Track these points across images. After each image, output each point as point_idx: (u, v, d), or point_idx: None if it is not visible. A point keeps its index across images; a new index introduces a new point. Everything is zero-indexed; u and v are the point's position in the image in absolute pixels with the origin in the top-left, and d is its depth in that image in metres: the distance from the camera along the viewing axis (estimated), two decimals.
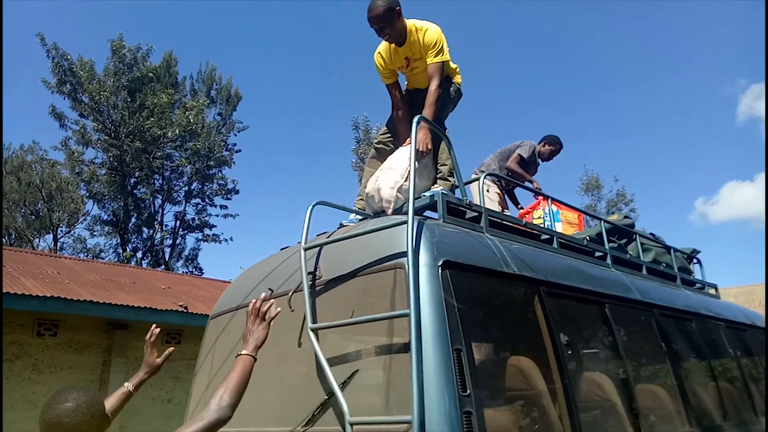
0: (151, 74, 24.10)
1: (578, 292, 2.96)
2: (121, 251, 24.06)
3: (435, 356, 2.01)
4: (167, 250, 25.78)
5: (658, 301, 3.70)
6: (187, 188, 26.50)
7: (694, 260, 5.16)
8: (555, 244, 3.27)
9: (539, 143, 5.10)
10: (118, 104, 23.22)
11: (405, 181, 2.63)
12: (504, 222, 3.01)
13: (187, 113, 24.19)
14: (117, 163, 23.85)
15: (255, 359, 1.91)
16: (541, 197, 4.09)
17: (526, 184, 4.64)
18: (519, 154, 4.78)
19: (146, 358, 2.54)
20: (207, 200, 26.81)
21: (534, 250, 2.99)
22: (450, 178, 3.04)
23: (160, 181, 25.63)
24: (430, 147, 2.83)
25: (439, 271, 2.19)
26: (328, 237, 2.71)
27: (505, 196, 4.89)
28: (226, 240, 26.05)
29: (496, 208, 4.42)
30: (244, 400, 2.74)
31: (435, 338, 2.04)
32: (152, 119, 23.05)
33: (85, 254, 26.83)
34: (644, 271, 4.10)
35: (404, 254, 2.21)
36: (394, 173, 2.65)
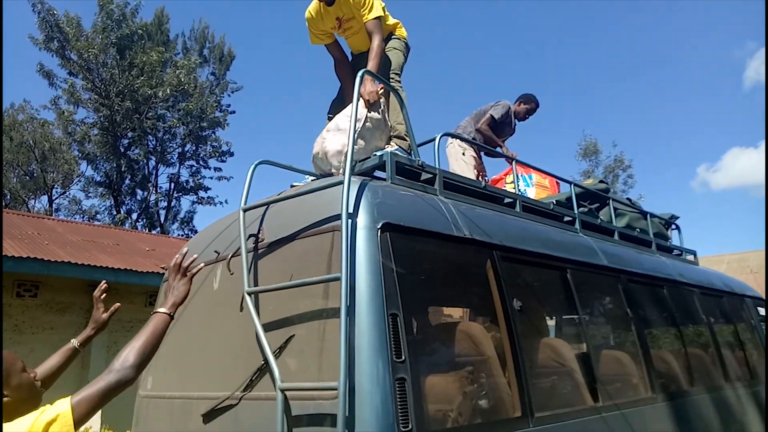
0: (141, 31, 23.56)
1: (537, 257, 2.87)
2: (115, 213, 24.03)
3: (367, 321, 1.94)
4: (162, 213, 25.74)
5: (628, 267, 3.63)
6: (180, 150, 26.25)
7: (673, 226, 5.08)
8: (518, 208, 3.18)
9: (515, 102, 4.93)
10: (107, 62, 22.76)
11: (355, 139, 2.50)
12: (460, 184, 2.90)
13: (178, 72, 23.73)
14: (108, 124, 23.52)
15: (171, 317, 1.84)
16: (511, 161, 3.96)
17: (498, 150, 4.52)
18: (491, 115, 4.63)
19: (93, 313, 2.49)
20: (201, 162, 26.61)
21: (493, 214, 2.89)
22: (406, 138, 2.92)
23: (154, 142, 25.35)
24: (380, 99, 2.69)
25: (378, 234, 2.10)
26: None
27: (482, 159, 4.76)
28: (221, 203, 25.96)
29: (471, 172, 4.30)
30: (187, 365, 2.71)
31: (369, 303, 1.96)
32: (142, 78, 22.63)
33: (81, 216, 26.81)
34: (616, 237, 4.02)
35: (338, 218, 2.13)
36: (341, 135, 2.53)
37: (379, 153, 2.59)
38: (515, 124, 4.93)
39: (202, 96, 25.71)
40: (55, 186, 27.94)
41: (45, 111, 25.38)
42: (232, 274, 2.43)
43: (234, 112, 27.68)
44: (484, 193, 3.06)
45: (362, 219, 2.11)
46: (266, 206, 2.50)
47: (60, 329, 7.44)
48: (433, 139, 2.84)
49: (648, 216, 4.53)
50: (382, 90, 2.57)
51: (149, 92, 23.15)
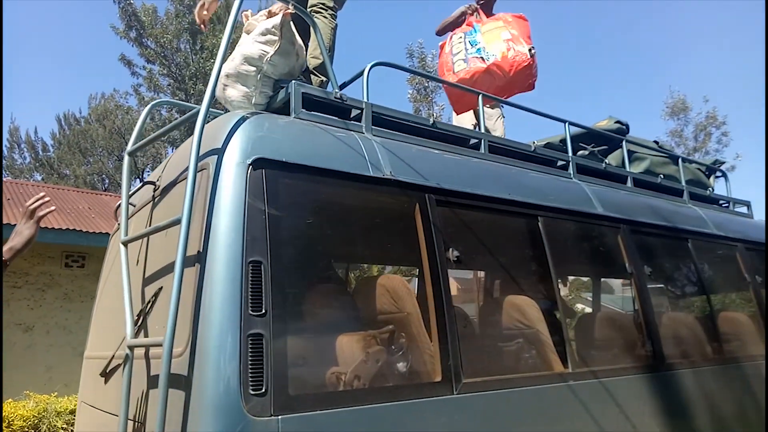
0: (212, 15, 24.28)
1: (492, 202, 2.46)
2: None
3: (219, 269, 1.68)
4: None
5: (633, 216, 3.09)
6: None
7: (718, 173, 4.35)
8: (483, 149, 2.75)
9: None
10: (180, 47, 23.66)
11: (246, 65, 2.20)
12: (400, 121, 2.53)
13: None
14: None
15: (5, 263, 1.68)
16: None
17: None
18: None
19: (21, 227, 2.20)
20: None
21: (438, 154, 2.51)
22: (319, 74, 2.59)
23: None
24: (282, 21, 2.32)
25: (248, 171, 1.81)
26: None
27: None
28: None
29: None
30: (112, 324, 2.58)
31: (224, 248, 1.70)
32: (213, 60, 23.34)
33: None
34: (629, 184, 3.46)
35: (212, 153, 1.88)
36: (233, 62, 2.23)
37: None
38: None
39: None
40: (146, 169, 29.74)
41: (128, 98, 26.89)
42: (118, 223, 2.25)
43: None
44: (438, 133, 2.67)
45: (231, 154, 1.84)
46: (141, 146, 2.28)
47: None
48: (362, 73, 2.48)
49: (680, 161, 3.88)
50: (283, 12, 2.22)
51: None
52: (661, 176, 3.68)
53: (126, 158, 2.23)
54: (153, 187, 2.27)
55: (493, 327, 2.43)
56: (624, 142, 3.53)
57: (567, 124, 3.21)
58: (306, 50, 2.55)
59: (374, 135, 2.35)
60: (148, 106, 2.32)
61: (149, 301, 1.95)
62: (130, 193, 2.24)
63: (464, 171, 2.53)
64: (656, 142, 3.97)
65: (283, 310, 1.72)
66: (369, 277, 2.15)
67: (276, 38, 2.17)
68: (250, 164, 1.82)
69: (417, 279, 2.22)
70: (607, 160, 3.43)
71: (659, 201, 3.51)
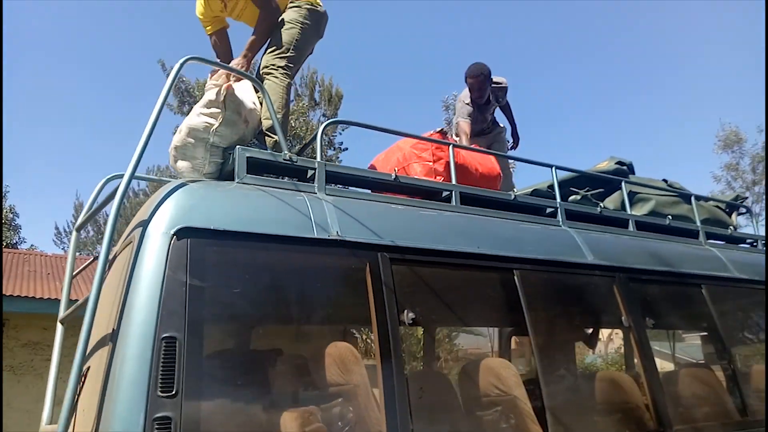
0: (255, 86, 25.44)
1: (460, 258, 2.30)
2: None
3: (129, 347, 1.60)
4: None
5: (633, 264, 2.86)
6: None
7: (741, 210, 4.02)
8: (455, 201, 2.62)
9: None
10: None
11: (191, 137, 2.19)
12: (361, 178, 2.45)
13: (289, 118, 25.14)
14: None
15: None
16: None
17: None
18: (458, 120, 4.24)
19: None
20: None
21: (399, 210, 2.40)
22: (271, 134, 2.56)
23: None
24: (225, 90, 2.30)
25: (171, 241, 1.76)
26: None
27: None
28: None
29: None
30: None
31: (135, 325, 1.63)
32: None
33: None
34: (632, 228, 3.22)
35: (138, 225, 1.84)
36: (180, 134, 2.22)
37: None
38: (483, 102, 4.28)
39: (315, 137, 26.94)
40: None
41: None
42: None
43: (346, 149, 28.51)
44: (404, 187, 2.57)
45: (155, 225, 1.79)
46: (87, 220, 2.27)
47: None
48: (315, 136, 2.43)
49: (692, 199, 3.61)
50: (225, 85, 2.20)
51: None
52: (669, 217, 3.41)
53: (74, 233, 2.23)
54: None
55: (462, 394, 2.23)
56: (623, 184, 3.31)
57: (554, 168, 3.05)
58: (262, 109, 2.54)
59: (328, 195, 2.27)
60: (101, 181, 2.33)
61: (81, 382, 1.89)
62: (76, 270, 2.23)
63: (427, 226, 2.40)
64: (665, 181, 3.71)
65: (198, 390, 1.61)
66: (312, 347, 2.01)
67: (219, 111, 2.16)
68: (173, 234, 1.77)
69: (369, 343, 2.07)
70: (603, 204, 3.22)
71: (668, 244, 3.25)
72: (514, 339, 2.42)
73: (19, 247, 21.53)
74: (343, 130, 28.87)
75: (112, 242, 1.76)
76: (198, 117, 2.18)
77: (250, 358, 1.95)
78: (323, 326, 2.10)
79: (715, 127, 26.63)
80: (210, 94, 2.21)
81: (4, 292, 8.19)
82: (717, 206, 3.86)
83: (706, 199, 3.80)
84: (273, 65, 2.78)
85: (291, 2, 2.93)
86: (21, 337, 8.82)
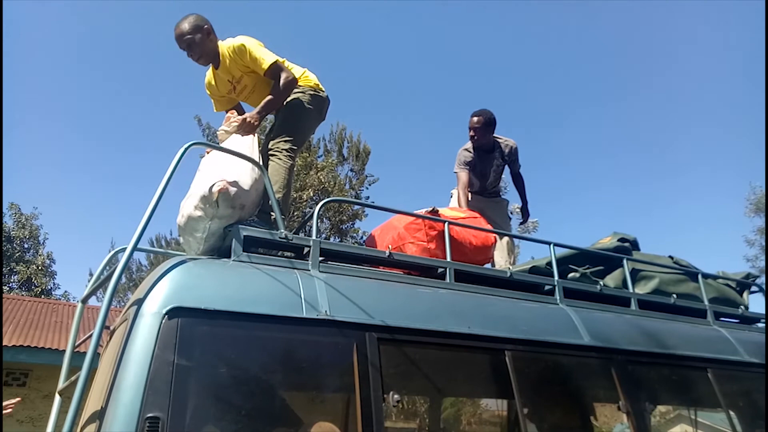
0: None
1: (448, 338, 2.34)
2: None
3: (113, 426, 1.67)
4: None
5: (632, 345, 2.83)
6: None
7: (753, 288, 3.94)
8: (449, 279, 2.68)
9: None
10: None
11: (190, 221, 2.31)
12: (355, 254, 2.53)
13: (318, 173, 25.75)
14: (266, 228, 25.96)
15: None
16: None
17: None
18: (455, 169, 4.24)
19: None
20: None
21: (391, 288, 2.46)
22: (269, 212, 2.67)
23: (305, 230, 27.21)
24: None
25: (162, 321, 1.85)
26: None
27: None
28: None
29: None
30: None
31: (121, 404, 1.70)
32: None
33: None
34: (634, 307, 3.20)
35: (134, 303, 1.94)
36: (181, 217, 2.35)
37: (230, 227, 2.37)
38: (486, 156, 4.30)
39: (342, 191, 27.39)
40: None
41: None
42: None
43: (373, 203, 28.87)
44: (399, 264, 2.64)
45: (149, 304, 1.90)
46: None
47: None
48: (311, 215, 2.54)
49: (699, 277, 3.57)
50: (219, 188, 2.30)
51: (295, 195, 25.28)
52: (674, 296, 3.38)
53: (78, 306, 2.35)
54: (108, 332, 2.36)
55: None
56: (625, 261, 3.31)
57: (552, 245, 3.08)
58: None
59: (321, 272, 2.36)
60: (110, 253, 2.47)
61: None
62: (79, 341, 2.33)
63: (419, 304, 2.45)
64: (671, 257, 3.69)
65: None
66: (297, 427, 2.04)
67: (212, 210, 2.28)
68: (165, 314, 1.86)
69: (346, 424, 2.09)
70: (604, 282, 3.22)
71: (672, 324, 3.21)
72: (504, 423, 2.39)
73: (53, 293, 22.07)
74: (370, 185, 29.30)
75: (106, 320, 1.86)
76: (194, 209, 2.30)
77: None
78: (309, 405, 2.13)
79: (745, 190, 26.03)
80: (204, 189, 2.32)
81: (29, 344, 8.40)
82: (727, 284, 3.80)
83: (715, 277, 3.74)
84: (277, 148, 2.94)
85: (295, 87, 3.10)
86: (42, 388, 8.96)
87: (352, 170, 30.54)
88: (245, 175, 2.45)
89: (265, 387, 2.00)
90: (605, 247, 3.46)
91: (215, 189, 2.26)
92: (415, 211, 2.91)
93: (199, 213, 2.28)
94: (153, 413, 1.69)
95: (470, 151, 4.24)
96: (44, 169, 35.85)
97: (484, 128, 4.17)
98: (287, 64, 3.12)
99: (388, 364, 2.15)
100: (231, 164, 2.47)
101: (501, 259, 3.88)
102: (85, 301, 2.41)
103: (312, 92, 3.16)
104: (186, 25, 2.94)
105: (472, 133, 4.17)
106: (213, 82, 3.23)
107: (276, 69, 2.97)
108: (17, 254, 21.67)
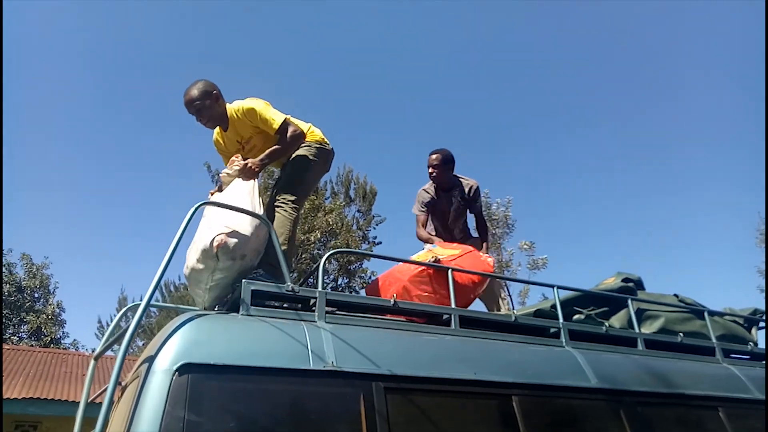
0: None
1: (455, 385, 2.36)
2: None
3: None
4: None
5: (641, 387, 2.83)
6: (333, 284, 27.85)
7: (761, 324, 3.93)
8: (454, 325, 2.71)
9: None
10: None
11: (200, 264, 2.38)
12: (360, 304, 2.59)
13: (326, 216, 25.97)
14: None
15: None
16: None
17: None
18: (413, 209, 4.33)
19: None
20: (355, 293, 27.85)
21: (397, 336, 2.50)
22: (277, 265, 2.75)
23: (311, 281, 27.24)
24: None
25: (173, 377, 1.90)
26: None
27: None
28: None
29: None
30: None
31: None
32: (298, 227, 25.06)
33: None
34: (641, 347, 3.20)
35: (146, 360, 2.00)
36: (186, 268, 2.42)
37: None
38: (446, 198, 4.33)
39: (349, 232, 27.53)
40: None
41: None
42: None
43: (380, 242, 28.93)
44: (403, 311, 2.69)
45: (160, 361, 1.95)
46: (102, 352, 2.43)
47: None
48: (318, 267, 2.61)
49: (705, 314, 3.58)
50: (217, 243, 2.35)
51: (302, 237, 25.43)
52: (681, 335, 3.39)
53: (91, 363, 2.40)
54: (120, 387, 2.40)
55: None
56: (629, 301, 3.34)
57: (556, 288, 3.12)
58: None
59: (328, 323, 2.41)
60: (122, 310, 2.54)
61: None
62: (91, 398, 2.38)
63: (425, 352, 2.49)
64: (676, 296, 3.71)
65: None
66: None
67: (214, 263, 2.36)
68: (175, 370, 1.92)
69: None
70: (609, 323, 3.24)
71: (680, 363, 3.21)
72: None
73: (62, 342, 22.06)
74: (377, 225, 29.40)
75: (119, 375, 1.91)
76: (196, 262, 2.38)
77: None
78: None
79: (755, 221, 25.86)
80: (205, 242, 2.40)
81: (39, 396, 8.40)
82: (734, 321, 3.80)
83: (721, 314, 3.75)
84: (283, 200, 3.04)
85: (302, 141, 3.22)
86: None
87: (359, 211, 30.74)
88: (245, 223, 2.52)
89: None
90: (609, 288, 3.49)
91: (215, 243, 2.34)
92: (419, 254, 2.98)
93: (201, 266, 2.36)
94: None
95: (429, 192, 4.30)
96: (55, 217, 36.36)
97: (443, 165, 4.21)
98: (294, 120, 3.25)
99: (395, 412, 2.17)
100: (233, 212, 2.54)
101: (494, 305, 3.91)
102: (97, 358, 2.46)
103: (318, 146, 3.28)
104: (195, 92, 3.08)
105: (431, 170, 4.21)
106: (222, 142, 3.36)
107: (285, 126, 3.10)
108: (27, 304, 21.79)
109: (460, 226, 4.43)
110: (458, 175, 4.35)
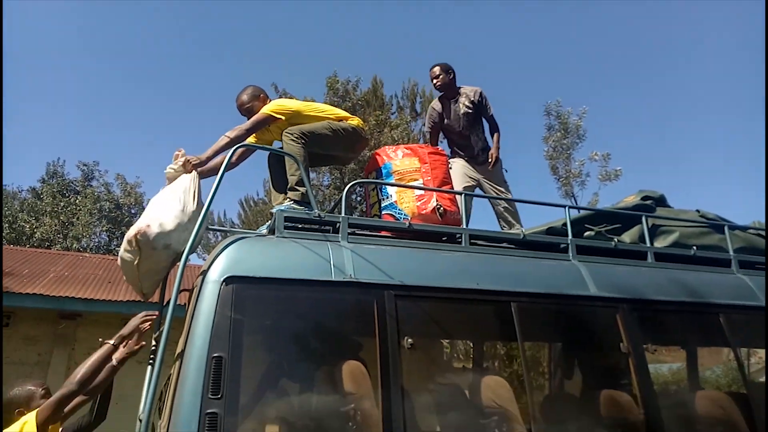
0: (360, 102, 26.67)
1: (458, 293, 2.77)
2: None
3: (191, 363, 2.28)
4: None
5: (641, 295, 3.11)
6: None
7: None
8: (464, 243, 3.08)
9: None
10: None
11: (126, 254, 2.73)
12: (378, 226, 2.99)
13: (391, 131, 26.11)
14: (340, 183, 26.99)
15: (115, 347, 2.51)
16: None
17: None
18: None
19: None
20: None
21: (409, 253, 2.90)
22: (298, 188, 3.15)
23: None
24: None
25: (221, 287, 2.43)
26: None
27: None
28: None
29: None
30: None
31: (195, 348, 2.31)
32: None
33: None
34: (650, 260, 3.42)
35: (201, 274, 2.54)
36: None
37: (274, 209, 2.91)
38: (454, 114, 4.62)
39: None
40: None
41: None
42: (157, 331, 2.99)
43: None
44: (417, 232, 3.08)
45: (211, 274, 2.48)
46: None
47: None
48: (341, 199, 3.00)
49: (726, 228, 3.70)
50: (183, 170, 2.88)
51: (369, 154, 25.87)
52: (694, 248, 3.56)
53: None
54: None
55: (448, 402, 2.68)
56: (644, 217, 3.52)
57: (567, 208, 3.38)
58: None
59: (349, 243, 2.84)
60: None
61: (166, 385, 2.62)
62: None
63: (433, 266, 2.89)
64: (698, 211, 3.83)
65: (237, 393, 2.26)
66: (329, 364, 2.59)
67: (136, 252, 2.69)
68: (223, 281, 2.44)
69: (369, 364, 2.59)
70: (619, 238, 3.47)
71: (686, 274, 3.41)
72: (507, 363, 2.81)
73: None
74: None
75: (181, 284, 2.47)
76: (123, 251, 2.75)
77: (278, 371, 2.58)
78: (339, 348, 2.67)
79: None
80: (130, 233, 2.72)
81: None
82: (759, 234, 3.88)
83: (744, 228, 3.84)
84: (290, 133, 3.31)
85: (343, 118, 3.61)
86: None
87: (424, 125, 30.41)
88: (172, 215, 2.75)
89: (303, 335, 2.56)
90: (628, 205, 3.68)
91: (133, 233, 2.67)
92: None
93: (127, 256, 2.70)
94: (217, 353, 2.28)
95: (435, 108, 4.68)
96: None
97: (445, 73, 4.60)
98: (284, 103, 3.60)
99: (403, 315, 2.62)
100: (163, 204, 2.83)
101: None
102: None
103: (352, 127, 3.61)
104: (245, 96, 3.62)
105: (434, 81, 4.63)
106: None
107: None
108: (126, 219, 24.12)
109: (477, 134, 4.70)
110: (461, 86, 4.69)
